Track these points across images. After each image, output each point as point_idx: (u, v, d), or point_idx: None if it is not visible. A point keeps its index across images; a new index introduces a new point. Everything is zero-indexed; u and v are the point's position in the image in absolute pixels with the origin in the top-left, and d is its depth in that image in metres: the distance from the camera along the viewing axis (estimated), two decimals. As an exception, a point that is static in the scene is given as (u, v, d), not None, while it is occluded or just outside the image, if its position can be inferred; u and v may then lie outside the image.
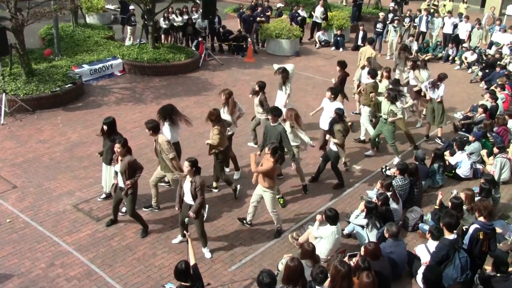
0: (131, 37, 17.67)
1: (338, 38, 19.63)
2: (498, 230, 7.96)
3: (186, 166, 7.04)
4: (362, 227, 7.83)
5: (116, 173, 7.69)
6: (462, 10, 21.66)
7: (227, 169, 9.93)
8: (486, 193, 8.45)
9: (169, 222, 8.35)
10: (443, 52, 18.96)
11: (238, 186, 9.22)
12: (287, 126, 9.00)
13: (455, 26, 19.01)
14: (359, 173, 10.34)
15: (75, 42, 16.23)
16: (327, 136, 9.57)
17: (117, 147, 7.47)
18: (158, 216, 8.52)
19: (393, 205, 8.30)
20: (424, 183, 9.51)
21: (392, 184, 8.54)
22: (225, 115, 9.35)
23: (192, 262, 6.18)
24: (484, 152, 10.59)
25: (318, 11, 19.98)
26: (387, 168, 10.27)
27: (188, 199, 7.23)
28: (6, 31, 11.59)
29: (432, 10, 20.78)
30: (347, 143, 10.00)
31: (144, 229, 8.00)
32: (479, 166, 10.44)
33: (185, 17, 17.96)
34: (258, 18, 18.87)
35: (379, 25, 19.05)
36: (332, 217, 7.23)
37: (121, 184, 7.66)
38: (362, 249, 6.81)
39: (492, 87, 14.04)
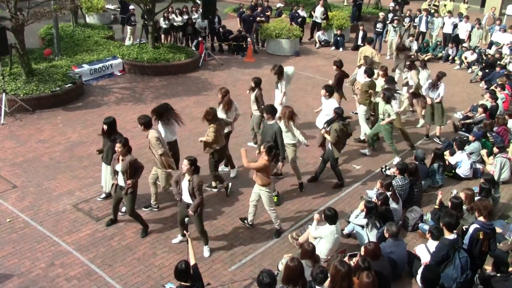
0: (131, 37, 17.67)
1: (338, 38, 19.63)
2: (498, 230, 7.96)
3: (185, 164, 7.04)
4: (362, 227, 7.83)
5: (116, 172, 7.69)
6: (462, 10, 21.66)
7: (226, 169, 9.94)
8: (486, 193, 8.45)
9: (169, 222, 8.35)
10: (443, 52, 18.97)
11: (230, 184, 9.23)
12: (282, 124, 8.99)
13: (455, 26, 19.01)
14: (359, 173, 10.34)
15: (75, 42, 16.23)
16: (322, 131, 9.62)
17: (118, 147, 7.47)
18: (158, 216, 8.52)
19: (393, 205, 8.30)
20: (424, 183, 9.51)
21: (392, 184, 8.54)
22: (221, 113, 9.34)
23: (192, 262, 6.18)
24: (484, 152, 10.59)
25: (318, 11, 19.98)
26: (387, 168, 10.27)
27: (186, 197, 7.23)
28: (6, 31, 11.59)
29: (432, 11, 20.78)
30: (347, 142, 9.99)
31: (144, 229, 8.00)
32: (479, 166, 10.44)
33: (185, 17, 17.96)
34: (258, 18, 18.87)
35: (379, 25, 19.05)
36: (331, 217, 7.23)
37: (121, 183, 7.67)
38: (362, 249, 6.81)
39: (492, 87, 14.04)
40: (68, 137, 11.13)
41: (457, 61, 18.38)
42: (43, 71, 13.29)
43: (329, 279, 6.07)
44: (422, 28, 19.78)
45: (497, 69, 15.66)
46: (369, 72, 11.18)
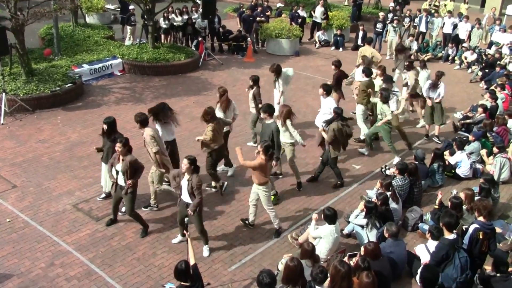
0: (131, 37, 17.67)
1: (338, 38, 19.63)
2: (498, 230, 7.96)
3: (185, 163, 7.05)
4: (362, 227, 7.83)
5: (116, 172, 7.69)
6: (463, 10, 21.67)
7: (226, 168, 9.95)
8: (485, 193, 8.45)
9: (169, 222, 8.35)
10: (443, 52, 18.97)
11: (226, 183, 9.24)
12: (279, 123, 8.99)
13: (455, 26, 19.01)
14: (359, 173, 10.34)
15: (75, 42, 16.23)
16: (320, 129, 9.64)
17: (118, 146, 7.47)
18: (157, 216, 8.52)
19: (392, 204, 8.30)
20: (423, 183, 9.51)
21: (391, 184, 8.54)
22: (219, 113, 9.34)
23: (192, 262, 6.18)
24: (484, 152, 10.59)
25: (318, 11, 19.97)
26: (387, 167, 10.27)
27: (185, 197, 7.23)
28: (6, 31, 11.59)
29: (432, 11, 20.77)
30: (349, 142, 10.00)
31: (144, 229, 8.00)
32: (478, 166, 10.44)
33: (185, 17, 17.96)
34: (258, 18, 18.87)
35: (379, 25, 19.05)
36: (331, 216, 7.23)
37: (121, 183, 7.67)
38: (362, 249, 6.81)
39: (492, 87, 14.04)
40: (68, 137, 11.13)
41: (457, 61, 18.38)
42: (43, 71, 13.29)
43: (328, 279, 6.07)
44: (422, 28, 19.78)
45: (497, 69, 15.66)
46: (367, 72, 11.19)
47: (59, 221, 8.21)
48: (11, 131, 11.25)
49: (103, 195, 8.83)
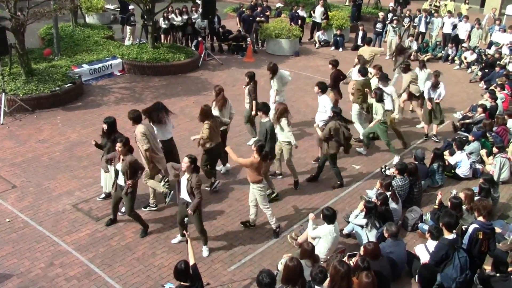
0: (131, 37, 17.67)
1: (338, 38, 19.62)
2: (498, 230, 7.96)
3: (185, 162, 7.06)
4: (362, 227, 7.82)
5: (116, 172, 7.69)
6: (463, 11, 21.67)
7: (228, 167, 9.97)
8: (485, 193, 8.45)
9: (169, 222, 8.35)
10: (442, 52, 18.96)
11: (218, 182, 9.27)
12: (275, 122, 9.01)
13: (455, 26, 19.01)
14: (358, 173, 10.34)
15: (74, 42, 16.23)
16: (315, 125, 9.67)
17: (118, 146, 7.47)
18: (157, 216, 8.52)
19: (392, 205, 8.30)
20: (423, 183, 9.51)
21: (391, 184, 8.54)
22: (215, 111, 9.35)
23: (191, 262, 6.18)
24: (483, 152, 10.59)
25: (318, 11, 19.96)
26: (387, 167, 10.27)
27: (184, 196, 7.23)
28: (6, 31, 11.59)
29: (433, 11, 20.77)
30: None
31: (143, 229, 8.00)
32: (478, 166, 10.44)
33: (185, 17, 17.96)
34: (257, 18, 18.87)
35: (379, 25, 19.05)
36: (330, 216, 7.23)
37: (121, 182, 7.67)
38: (362, 249, 6.81)
39: (492, 87, 14.04)
40: (68, 137, 11.13)
41: (457, 61, 18.37)
42: (43, 71, 13.28)
43: (328, 279, 6.07)
44: (422, 28, 19.78)
45: (497, 69, 15.67)
46: (363, 71, 11.21)
47: (58, 221, 8.21)
48: (10, 131, 11.25)
49: (103, 195, 8.83)
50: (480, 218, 7.37)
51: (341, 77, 11.88)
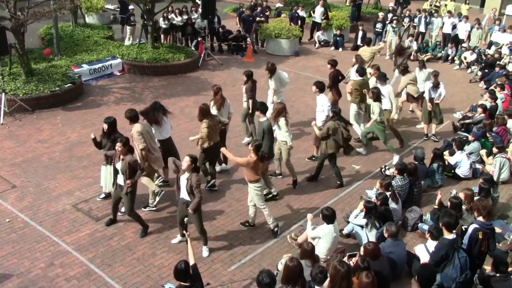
0: (131, 37, 17.67)
1: (338, 38, 19.62)
2: (497, 230, 7.96)
3: (186, 160, 7.07)
4: (362, 227, 7.82)
5: (116, 171, 7.68)
6: (464, 11, 21.67)
7: (226, 167, 9.96)
8: (485, 193, 8.45)
9: (169, 222, 8.35)
10: (442, 52, 18.97)
11: (213, 181, 9.28)
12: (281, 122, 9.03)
13: (454, 26, 19.02)
14: (358, 173, 10.34)
15: (74, 42, 16.23)
16: (312, 123, 9.72)
17: (118, 146, 7.47)
18: (157, 216, 8.51)
19: (392, 205, 8.30)
20: (423, 183, 9.51)
21: (391, 184, 8.54)
22: (213, 111, 9.36)
23: (191, 262, 6.18)
24: (483, 152, 10.60)
25: (318, 11, 19.96)
26: (387, 167, 10.27)
27: (184, 195, 7.23)
28: (6, 31, 11.59)
29: (433, 11, 20.77)
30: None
31: (143, 229, 7.99)
32: (478, 166, 10.44)
33: (185, 17, 17.96)
34: (257, 18, 18.87)
35: (379, 25, 19.06)
36: (329, 216, 7.23)
37: (120, 182, 7.67)
38: (362, 249, 6.81)
39: (492, 87, 14.04)
40: (68, 137, 11.13)
41: (457, 61, 18.38)
42: (43, 71, 13.28)
43: (328, 279, 6.07)
44: (421, 28, 19.80)
45: (497, 69, 15.67)
46: (360, 71, 11.23)
47: (58, 221, 8.21)
48: (10, 131, 11.24)
49: (103, 195, 8.83)
50: (480, 218, 7.37)
51: (340, 78, 11.88)
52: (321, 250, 7.25)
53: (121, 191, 7.71)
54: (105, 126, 8.22)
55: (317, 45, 19.98)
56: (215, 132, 8.88)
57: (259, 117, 8.86)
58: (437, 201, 8.44)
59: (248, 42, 18.02)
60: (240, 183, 9.56)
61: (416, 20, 19.96)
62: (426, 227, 7.98)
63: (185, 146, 10.24)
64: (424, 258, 7.20)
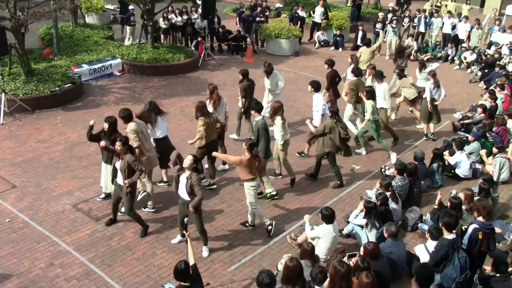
0: (131, 37, 17.68)
1: (338, 38, 19.63)
2: (497, 230, 7.96)
3: (189, 159, 7.09)
4: (362, 227, 7.82)
5: (115, 170, 7.67)
6: (465, 11, 21.66)
7: (225, 167, 9.96)
8: (485, 193, 8.45)
9: (168, 222, 8.35)
10: (442, 52, 18.97)
11: (210, 180, 9.29)
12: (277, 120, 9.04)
13: (454, 26, 19.02)
14: (358, 173, 10.34)
15: (74, 42, 16.23)
16: (307, 121, 9.76)
17: (118, 145, 7.47)
18: (157, 216, 8.51)
19: (392, 205, 8.30)
20: (423, 183, 9.51)
21: (391, 184, 8.53)
22: (209, 109, 9.36)
23: (191, 262, 6.18)
24: (483, 152, 10.60)
25: (318, 11, 19.96)
26: (386, 168, 10.27)
27: (183, 195, 7.22)
28: (6, 31, 11.59)
29: (433, 11, 20.77)
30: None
31: (143, 229, 7.99)
32: (478, 166, 10.44)
33: (185, 17, 17.96)
34: (257, 18, 18.87)
35: (378, 25, 19.06)
36: (328, 216, 7.23)
37: (120, 182, 7.66)
38: (362, 249, 6.81)
39: (492, 87, 14.04)
40: (68, 137, 11.12)
41: (457, 61, 18.39)
42: (43, 71, 13.28)
43: (328, 279, 6.07)
44: (421, 28, 19.80)
45: (496, 69, 15.66)
46: (356, 72, 11.25)
47: (58, 221, 8.21)
48: (10, 131, 11.24)
49: (103, 195, 8.82)
50: (480, 218, 7.37)
51: (337, 79, 11.88)
52: (321, 250, 7.25)
53: (121, 191, 7.71)
54: (106, 126, 8.21)
55: (317, 45, 19.98)
56: (212, 129, 8.89)
57: (254, 116, 8.87)
58: (437, 201, 8.44)
59: (248, 42, 18.02)
60: (240, 183, 9.54)
61: (416, 20, 19.97)
62: (426, 227, 7.97)
63: (185, 146, 10.23)
64: (424, 258, 7.20)
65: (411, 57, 16.84)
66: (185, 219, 7.06)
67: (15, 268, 7.10)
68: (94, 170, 9.65)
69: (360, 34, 19.06)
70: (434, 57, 18.78)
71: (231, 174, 9.95)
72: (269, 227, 8.10)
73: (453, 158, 10.32)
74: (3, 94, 11.84)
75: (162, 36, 17.61)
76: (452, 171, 10.22)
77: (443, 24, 19.37)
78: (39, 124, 11.69)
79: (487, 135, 10.94)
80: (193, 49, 17.49)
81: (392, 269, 6.90)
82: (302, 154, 10.73)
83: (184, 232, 7.06)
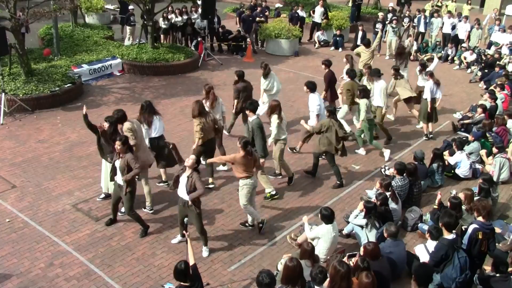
0: (131, 37, 17.68)
1: (338, 38, 19.63)
2: (497, 230, 7.96)
3: (191, 158, 7.13)
4: (362, 227, 7.82)
5: (114, 169, 7.66)
6: (466, 11, 21.65)
7: (223, 168, 9.96)
8: (485, 193, 8.45)
9: (168, 222, 8.35)
10: (442, 52, 18.97)
11: (209, 179, 9.30)
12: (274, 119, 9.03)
13: (454, 27, 19.02)
14: (358, 173, 10.34)
15: (74, 42, 16.24)
16: (301, 121, 9.82)
17: (117, 144, 7.46)
18: (157, 216, 8.51)
19: (392, 205, 8.30)
20: (423, 183, 9.51)
21: (391, 184, 8.53)
22: (206, 108, 9.39)
23: (191, 262, 6.18)
24: (483, 152, 10.60)
25: (318, 11, 19.96)
26: (386, 168, 10.27)
27: (183, 194, 7.21)
28: (6, 31, 11.60)
29: (434, 11, 20.78)
30: (346, 142, 10.04)
31: (143, 229, 7.99)
32: (478, 166, 10.44)
33: (185, 17, 17.97)
34: (257, 18, 18.87)
35: (378, 25, 19.06)
36: (328, 216, 7.23)
37: (120, 182, 7.66)
38: (362, 249, 6.81)
39: (491, 87, 14.03)
40: (68, 137, 11.12)
41: (457, 61, 18.39)
42: (43, 71, 13.28)
43: (328, 279, 6.07)
44: (421, 28, 19.81)
45: (496, 69, 15.66)
46: (350, 74, 11.28)
47: (58, 221, 8.21)
48: (10, 131, 11.24)
49: (103, 195, 8.82)
50: (480, 218, 7.37)
51: (335, 81, 11.89)
52: (321, 250, 7.25)
53: (120, 190, 7.70)
54: (107, 125, 8.21)
55: (317, 45, 19.98)
56: (209, 128, 8.90)
57: (249, 116, 8.89)
58: (437, 201, 8.44)
59: (248, 42, 18.02)
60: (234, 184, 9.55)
61: (415, 20, 19.97)
62: (426, 227, 7.97)
63: (185, 146, 10.25)
64: (424, 258, 7.21)
65: (411, 57, 16.85)
66: (185, 219, 7.06)
67: (15, 268, 7.10)
68: (94, 170, 9.65)
69: (360, 34, 19.04)
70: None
71: (231, 174, 9.93)
72: (260, 225, 8.13)
73: (453, 158, 10.32)
74: (3, 94, 11.84)
75: (162, 36, 17.61)
76: (452, 171, 10.22)
77: (443, 24, 19.37)
78: (39, 124, 11.69)
79: (487, 135, 10.94)
80: (193, 49, 17.49)
81: (392, 269, 6.90)
82: (294, 151, 10.78)
83: (184, 232, 7.06)
